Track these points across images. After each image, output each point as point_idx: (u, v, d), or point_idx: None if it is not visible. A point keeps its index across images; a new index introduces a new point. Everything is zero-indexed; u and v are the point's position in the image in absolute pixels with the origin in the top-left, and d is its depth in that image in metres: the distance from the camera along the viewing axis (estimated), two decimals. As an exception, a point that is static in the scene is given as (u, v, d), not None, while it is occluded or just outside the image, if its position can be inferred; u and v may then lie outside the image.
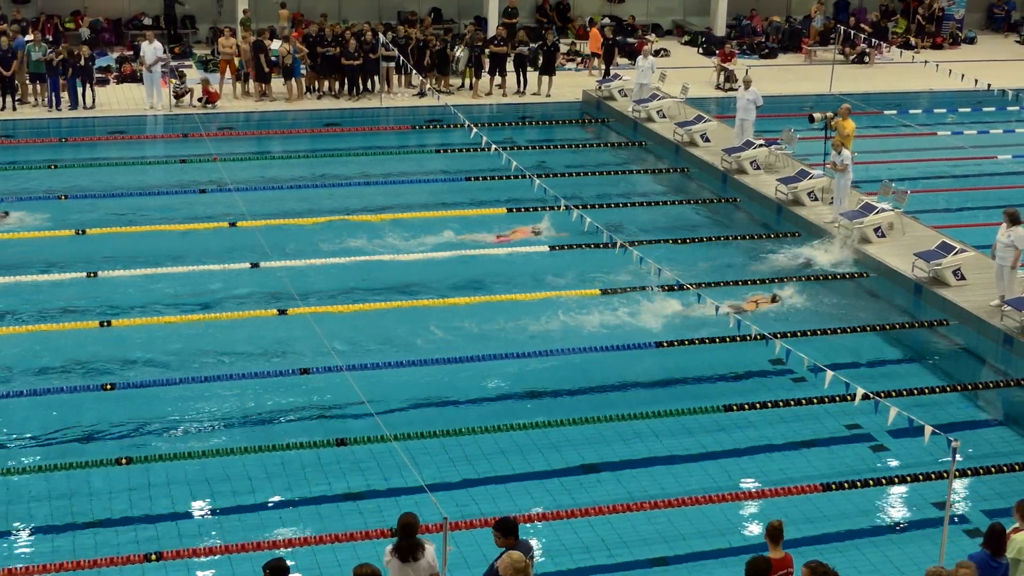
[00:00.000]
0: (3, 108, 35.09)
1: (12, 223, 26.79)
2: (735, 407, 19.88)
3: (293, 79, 36.78)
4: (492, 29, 40.70)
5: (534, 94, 38.47)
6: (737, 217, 29.03)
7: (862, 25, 45.30)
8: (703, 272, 25.22)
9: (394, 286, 24.24)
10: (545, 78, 38.42)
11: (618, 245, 23.60)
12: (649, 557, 16.18)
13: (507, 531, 13.30)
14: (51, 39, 36.97)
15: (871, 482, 17.97)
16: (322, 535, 16.12)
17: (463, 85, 38.32)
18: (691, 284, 22.63)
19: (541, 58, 38.44)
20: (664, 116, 35.07)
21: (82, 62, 35.28)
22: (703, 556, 16.32)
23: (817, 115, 30.36)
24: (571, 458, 18.48)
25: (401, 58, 36.83)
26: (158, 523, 16.65)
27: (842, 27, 43.20)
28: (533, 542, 16.06)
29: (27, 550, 16.02)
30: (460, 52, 38.06)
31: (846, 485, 17.77)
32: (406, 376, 20.72)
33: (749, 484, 18.03)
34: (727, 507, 17.34)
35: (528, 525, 16.48)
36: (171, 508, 16.98)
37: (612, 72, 39.38)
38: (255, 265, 24.84)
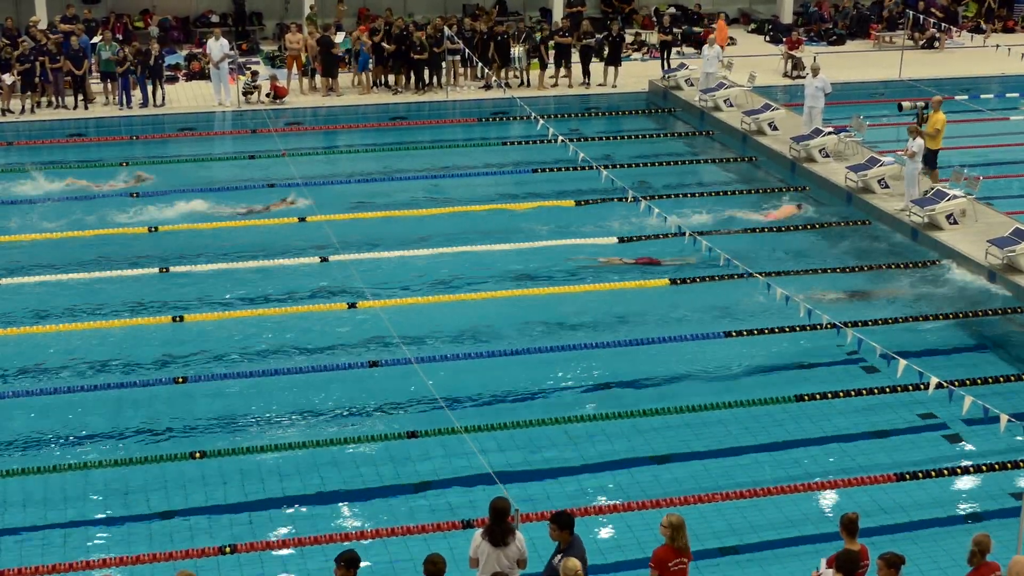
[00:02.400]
0: (75, 107, 35.49)
1: (93, 220, 27.10)
2: (807, 397, 19.74)
3: (359, 73, 36.92)
4: (557, 20, 40.60)
5: (600, 85, 38.36)
6: (805, 205, 28.79)
7: (932, 9, 44.78)
8: (772, 261, 25.06)
9: (462, 278, 24.27)
10: (611, 68, 38.31)
11: (687, 235, 23.54)
12: (720, 547, 16.10)
13: (563, 525, 13.34)
14: (120, 38, 37.31)
15: (946, 472, 17.80)
16: (393, 527, 16.19)
17: (523, 82, 38.18)
18: (760, 273, 22.50)
19: (607, 48, 38.34)
20: (731, 105, 34.88)
21: (151, 60, 35.61)
22: (774, 547, 16.22)
23: (907, 103, 30.04)
24: (641, 449, 18.43)
25: (466, 51, 36.88)
26: (232, 515, 16.78)
27: (911, 12, 42.76)
28: (604, 533, 16.15)
29: (103, 543, 16.20)
30: (519, 50, 37.83)
31: (920, 475, 17.61)
32: (476, 368, 20.75)
33: (821, 475, 17.89)
34: (799, 498, 17.22)
35: (599, 516, 16.48)
36: (244, 501, 17.09)
37: (678, 61, 39.22)
38: (324, 259, 24.97)
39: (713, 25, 43.26)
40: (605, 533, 16.30)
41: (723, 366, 21.04)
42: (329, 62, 37.09)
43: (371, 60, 37.35)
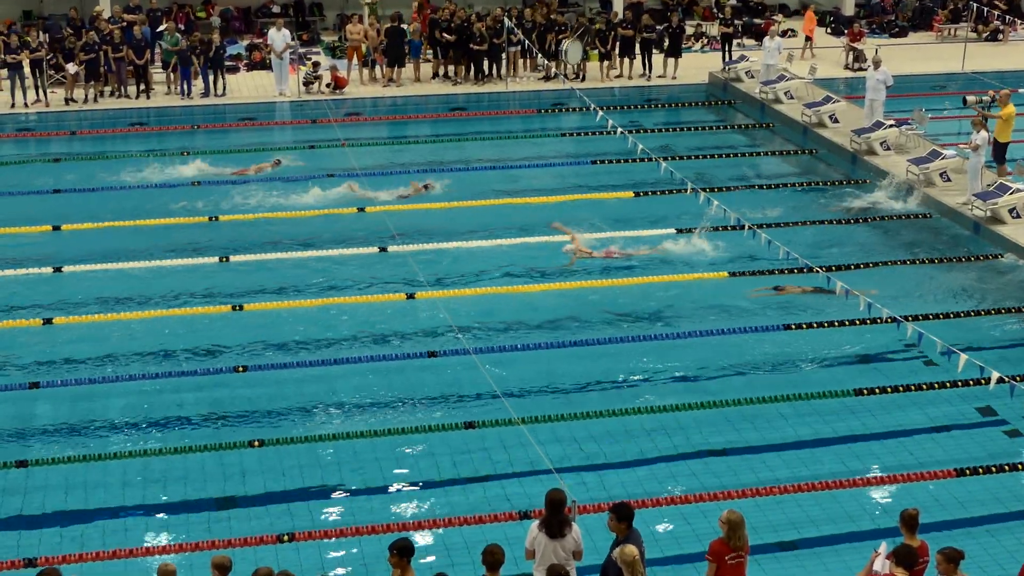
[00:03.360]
0: (136, 96, 35.78)
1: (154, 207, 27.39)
2: (866, 391, 19.61)
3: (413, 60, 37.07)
4: (618, 11, 40.48)
5: (660, 76, 38.24)
6: (866, 198, 28.58)
7: (995, 1, 44.32)
8: (832, 254, 24.92)
9: (521, 269, 24.28)
10: (671, 60, 38.18)
11: (746, 228, 23.45)
12: (778, 541, 16.04)
13: (622, 516, 13.33)
14: (183, 28, 37.58)
15: (1006, 467, 17.63)
16: (450, 517, 16.23)
17: (577, 76, 38.06)
18: (820, 267, 22.38)
19: (667, 40, 38.21)
20: (792, 97, 34.68)
21: (213, 50, 35.85)
22: (833, 541, 16.13)
23: (971, 97, 29.78)
24: (699, 442, 18.38)
25: (526, 42, 36.86)
26: (290, 503, 16.88)
27: (975, 4, 42.33)
28: (661, 525, 16.12)
29: (162, 529, 16.35)
30: (569, 45, 37.65)
31: (980, 470, 17.46)
32: (534, 359, 20.76)
33: (880, 469, 17.77)
34: (858, 492, 17.12)
35: (656, 508, 16.46)
36: (302, 489, 17.19)
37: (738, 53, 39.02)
38: (383, 249, 25.07)
39: (775, 17, 43.07)
40: (662, 525, 16.26)
41: (782, 359, 20.93)
42: (396, 52, 37.15)
43: (423, 48, 37.43)
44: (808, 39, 40.65)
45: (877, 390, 19.64)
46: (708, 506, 16.42)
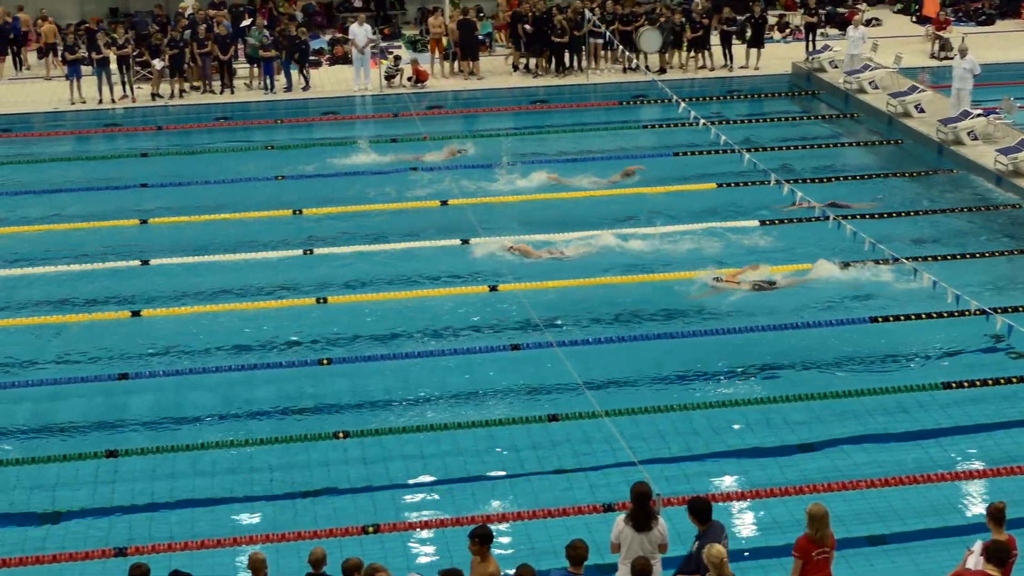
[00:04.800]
0: (220, 91, 36.13)
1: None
2: (953, 384, 19.36)
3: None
4: (699, 2, 40.27)
5: (742, 67, 38.01)
6: (954, 189, 28.24)
7: (1085, -13, 43.63)
8: (918, 246, 24.63)
9: (602, 261, 24.21)
10: (753, 51, 37.93)
11: (831, 219, 23.25)
12: (866, 535, 15.88)
13: (695, 511, 13.32)
14: (266, 23, 37.90)
15: (1096, 461, 17.38)
16: (534, 510, 16.24)
17: (661, 68, 37.90)
18: (906, 258, 22.15)
19: (749, 30, 37.96)
20: (876, 87, 34.32)
21: (296, 45, 36.10)
22: (921, 536, 15.94)
23: None
24: (785, 436, 18.24)
25: (607, 34, 36.78)
26: (375, 495, 16.97)
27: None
28: (746, 519, 16.04)
29: (249, 520, 16.49)
30: (645, 34, 37.44)
31: (1071, 464, 17.22)
32: (617, 352, 20.72)
33: (968, 463, 17.55)
34: (945, 486, 16.90)
35: (740, 502, 16.37)
36: (387, 482, 17.27)
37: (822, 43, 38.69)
38: (465, 242, 25.11)
39: (859, 6, 42.66)
40: (747, 520, 16.18)
41: (868, 352, 20.72)
42: (470, 45, 37.24)
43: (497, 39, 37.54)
44: (933, 18, 40.20)
45: (965, 383, 19.38)
46: (792, 500, 16.30)
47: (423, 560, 15.50)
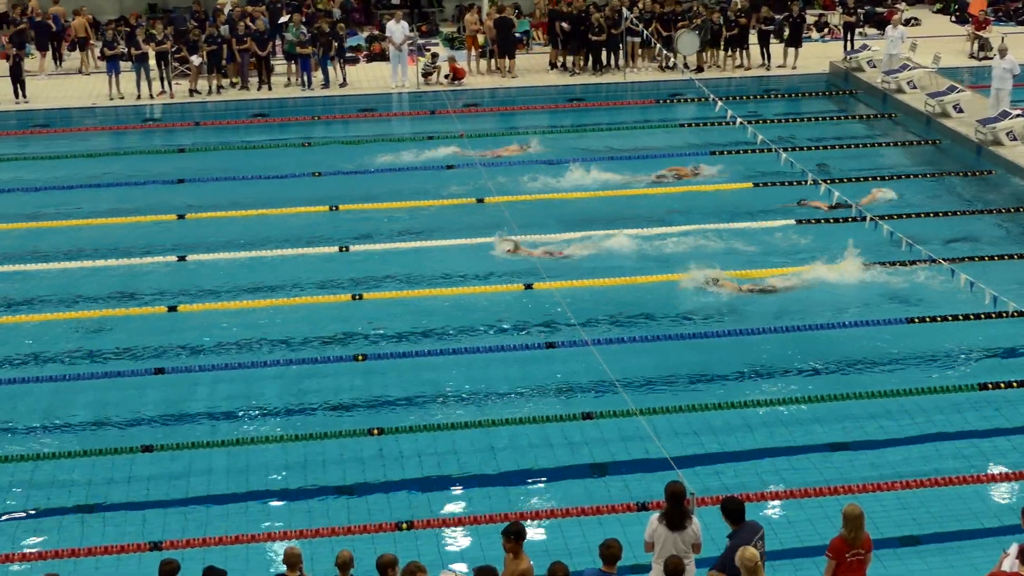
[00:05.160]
0: (258, 88, 36.25)
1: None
2: (990, 385, 19.25)
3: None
4: (738, 2, 40.17)
5: (779, 66, 37.89)
6: (992, 190, 28.07)
7: None
8: (956, 246, 24.49)
9: (638, 260, 24.17)
10: (791, 50, 37.81)
11: (867, 219, 23.16)
12: (898, 536, 15.81)
13: (727, 512, 13.31)
14: (304, 20, 38.01)
15: None
16: (568, 508, 16.23)
17: (699, 67, 37.81)
18: (943, 259, 22.03)
19: (787, 29, 37.84)
20: (915, 87, 34.15)
21: (334, 42, 36.19)
22: (957, 538, 15.84)
23: None
24: (819, 435, 18.18)
25: (645, 32, 36.72)
26: (409, 491, 17.00)
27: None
28: (780, 519, 15.97)
29: (283, 516, 16.54)
30: (682, 36, 37.31)
31: (1109, 468, 17.09)
32: (652, 351, 20.68)
33: (1005, 465, 17.43)
34: (981, 488, 16.81)
35: (774, 502, 16.33)
36: (421, 478, 17.30)
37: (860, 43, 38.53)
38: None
39: (898, 5, 42.45)
40: (781, 519, 16.12)
41: (905, 353, 20.61)
42: (507, 43, 37.26)
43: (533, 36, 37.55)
44: (973, 17, 40.01)
45: (1003, 384, 19.27)
46: (827, 501, 16.24)
47: (456, 557, 15.50)
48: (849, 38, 38.72)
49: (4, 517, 16.53)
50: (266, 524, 16.31)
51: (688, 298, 22.53)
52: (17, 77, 35.16)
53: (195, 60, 35.84)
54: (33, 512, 16.66)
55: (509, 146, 31.00)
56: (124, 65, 35.92)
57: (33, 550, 15.60)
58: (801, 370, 20.12)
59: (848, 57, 37.50)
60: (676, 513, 13.30)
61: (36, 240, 25.97)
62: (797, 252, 24.37)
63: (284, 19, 37.34)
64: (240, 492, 17.05)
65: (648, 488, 16.48)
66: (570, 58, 37.91)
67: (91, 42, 38.69)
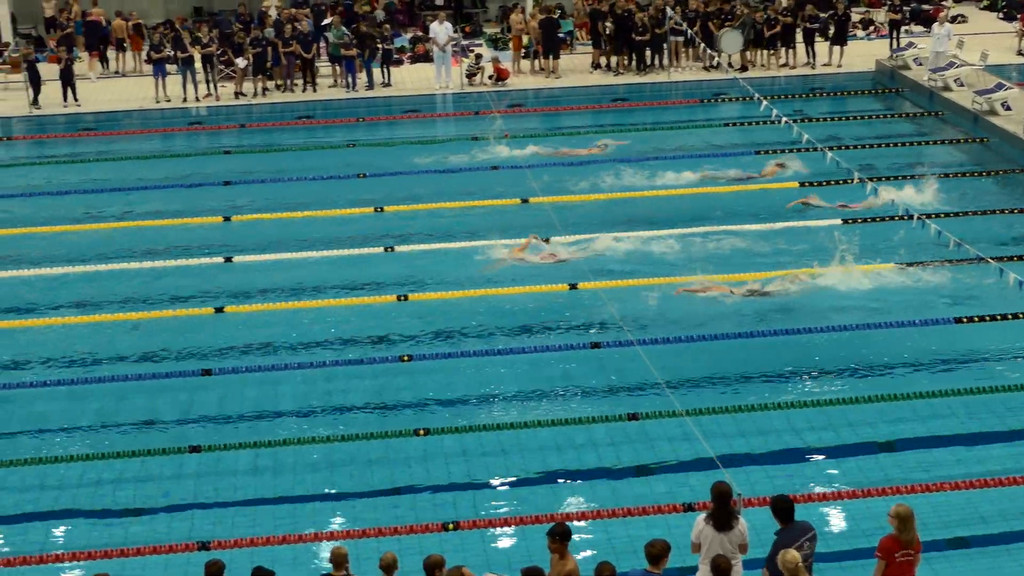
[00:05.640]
0: (303, 90, 36.39)
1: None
2: (1040, 385, 19.12)
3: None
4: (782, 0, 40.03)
5: (824, 65, 37.71)
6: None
7: None
8: (1004, 246, 24.29)
9: (683, 260, 24.09)
10: (836, 48, 37.62)
11: (915, 218, 23.02)
12: (946, 538, 15.70)
13: (775, 510, 13.26)
14: (343, 22, 38.12)
15: None
16: (614, 509, 16.20)
17: (742, 67, 37.67)
18: (991, 258, 21.87)
19: (832, 28, 37.66)
20: (962, 85, 33.91)
21: (379, 44, 36.29)
22: (1006, 540, 15.73)
23: None
24: (867, 436, 18.07)
25: (689, 32, 36.63)
26: (454, 492, 17.01)
27: None
28: (828, 520, 15.90)
29: (331, 517, 16.60)
30: (726, 35, 37.13)
31: None
32: (698, 351, 20.62)
33: (1055, 466, 17.32)
34: (1032, 489, 16.70)
35: (822, 503, 16.25)
36: (467, 479, 17.31)
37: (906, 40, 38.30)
38: (546, 240, 25.09)
39: (944, 3, 42.15)
40: (829, 521, 16.04)
41: (952, 353, 20.48)
42: (552, 43, 37.26)
43: (577, 36, 37.49)
44: (1021, 14, 39.77)
45: (1052, 385, 19.13)
46: (875, 502, 16.14)
47: (502, 558, 15.51)
48: (895, 36, 38.49)
49: (55, 517, 16.65)
50: (314, 524, 16.36)
51: (733, 298, 22.43)
52: (68, 80, 35.43)
53: (240, 63, 36.01)
54: (83, 512, 16.77)
55: (589, 147, 30.89)
56: (170, 68, 36.12)
57: (83, 550, 15.70)
58: (848, 370, 20.01)
59: (894, 55, 37.28)
60: (723, 513, 13.27)
61: (85, 242, 26.14)
62: (842, 251, 24.20)
63: (327, 21, 37.46)
64: (287, 493, 17.11)
65: (694, 489, 16.45)
66: (613, 58, 37.85)
67: (136, 45, 38.93)
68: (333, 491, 17.18)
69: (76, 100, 35.60)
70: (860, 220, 25.60)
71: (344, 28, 36.66)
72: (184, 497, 17.05)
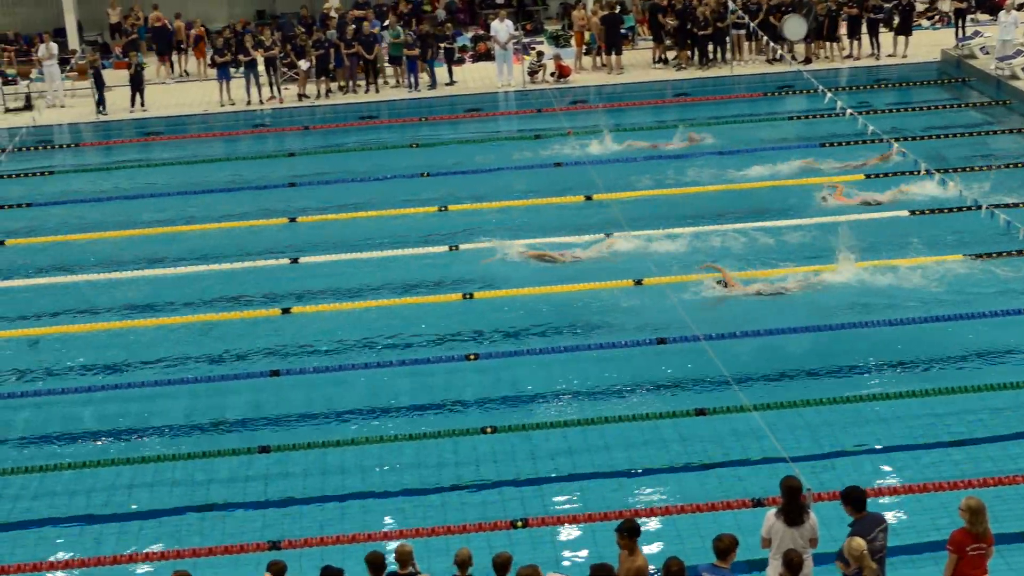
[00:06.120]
0: (366, 90, 36.56)
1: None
2: (1116, 378, 18.85)
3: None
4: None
5: (889, 55, 37.41)
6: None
7: None
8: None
9: (750, 255, 23.97)
10: (900, 38, 37.31)
11: (983, 208, 22.78)
12: (1019, 531, 15.51)
13: (848, 500, 13.18)
14: (400, 21, 38.25)
15: None
16: (682, 504, 16.15)
17: (806, 59, 37.42)
18: (1062, 248, 21.62)
19: (896, 18, 37.34)
20: (1030, 73, 33.57)
21: (440, 43, 36.39)
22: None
23: None
24: (937, 429, 17.90)
25: (751, 25, 36.45)
26: (522, 489, 17.02)
27: None
28: (898, 514, 15.76)
29: (398, 515, 16.62)
30: (788, 20, 36.89)
31: None
32: (764, 345, 20.52)
33: None
34: (1106, 482, 16.47)
35: (892, 497, 16.11)
36: (535, 476, 17.30)
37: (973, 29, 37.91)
38: (608, 236, 25.02)
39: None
40: (899, 514, 15.90)
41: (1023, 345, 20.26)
42: (614, 39, 37.20)
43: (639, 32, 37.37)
44: None
45: None
46: (946, 496, 15.96)
47: (570, 554, 15.51)
48: (960, 24, 38.12)
49: (129, 518, 16.82)
50: (381, 523, 16.42)
51: (800, 292, 22.28)
52: (137, 85, 35.81)
53: (303, 65, 36.22)
54: (155, 512, 16.93)
55: (683, 137, 30.87)
56: (234, 71, 36.40)
57: (155, 550, 15.86)
58: (917, 363, 19.84)
59: (960, 44, 36.93)
60: (794, 508, 13.19)
61: (152, 246, 26.39)
62: (911, 242, 24.02)
63: (387, 23, 37.62)
64: (355, 491, 17.19)
65: (762, 483, 16.36)
66: (671, 53, 37.73)
67: (200, 50, 39.29)
68: (402, 489, 17.21)
69: (143, 105, 35.97)
70: (928, 211, 25.35)
71: (400, 28, 36.78)
72: (254, 497, 17.16)
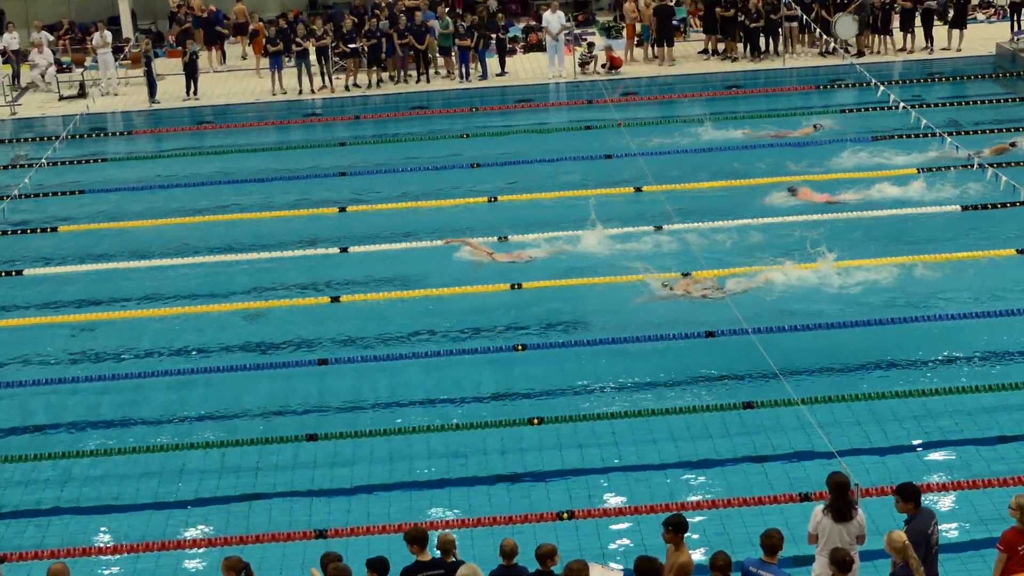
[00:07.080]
0: (417, 80, 36.62)
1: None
2: None
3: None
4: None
5: (943, 49, 37.09)
6: None
7: None
8: None
9: (798, 248, 23.82)
10: (955, 32, 36.99)
11: (1036, 204, 22.60)
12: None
13: (907, 496, 13.06)
14: (451, 10, 38.29)
15: None
16: (729, 498, 16.11)
17: (859, 52, 37.18)
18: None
19: (951, 11, 37.03)
20: (1086, 67, 33.23)
21: (492, 33, 36.40)
22: None
23: None
24: (987, 426, 17.75)
25: (804, 17, 36.25)
26: (568, 480, 17.02)
27: None
28: (947, 511, 15.66)
29: (445, 505, 16.67)
30: (840, 20, 36.64)
31: None
32: (813, 339, 20.42)
33: None
34: None
35: (941, 493, 16.01)
36: (581, 468, 17.31)
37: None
38: (659, 228, 24.99)
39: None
40: (948, 511, 15.79)
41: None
42: (666, 31, 37.09)
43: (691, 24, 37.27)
44: None
45: None
46: (996, 492, 15.85)
47: (616, 547, 15.50)
48: (1016, 18, 37.75)
49: (176, 505, 16.94)
50: (428, 513, 16.46)
51: (845, 286, 22.16)
52: (192, 74, 36.05)
53: (349, 49, 36.30)
54: (202, 500, 17.05)
55: (804, 127, 30.76)
56: (286, 61, 36.54)
57: (202, 537, 15.97)
58: (966, 358, 19.69)
59: (1015, 38, 36.60)
60: (842, 504, 13.12)
61: (204, 234, 26.56)
62: (960, 238, 23.84)
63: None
64: (402, 480, 17.24)
65: (809, 478, 16.30)
66: (721, 44, 37.59)
67: (258, 38, 39.49)
68: (448, 479, 17.26)
69: (196, 94, 36.19)
70: (979, 207, 25.14)
71: (451, 18, 36.80)
72: (301, 485, 17.24)
